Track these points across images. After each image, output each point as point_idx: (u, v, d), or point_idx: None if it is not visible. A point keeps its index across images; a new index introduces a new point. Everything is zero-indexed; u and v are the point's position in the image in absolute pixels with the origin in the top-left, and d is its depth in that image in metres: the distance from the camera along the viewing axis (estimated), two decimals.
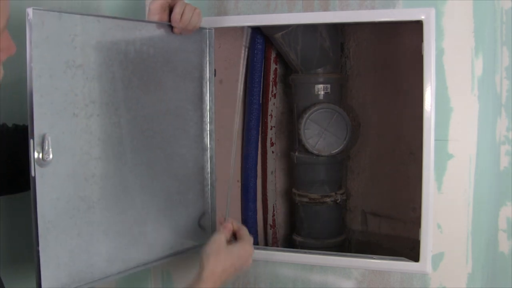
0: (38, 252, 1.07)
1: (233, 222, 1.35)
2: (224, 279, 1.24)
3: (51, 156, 1.08)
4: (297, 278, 1.55)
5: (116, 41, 1.23)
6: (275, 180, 2.08)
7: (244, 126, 1.98)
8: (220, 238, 1.29)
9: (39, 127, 1.07)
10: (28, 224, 1.47)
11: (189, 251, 1.45)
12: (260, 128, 2.00)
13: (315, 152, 1.80)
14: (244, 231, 1.34)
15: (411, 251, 1.49)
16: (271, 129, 2.02)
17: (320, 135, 1.79)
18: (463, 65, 1.37)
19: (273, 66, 1.96)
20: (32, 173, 1.06)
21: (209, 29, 1.46)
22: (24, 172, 1.11)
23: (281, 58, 1.94)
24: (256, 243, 2.00)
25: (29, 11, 1.04)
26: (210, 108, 1.49)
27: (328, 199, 1.85)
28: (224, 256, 1.26)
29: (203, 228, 1.48)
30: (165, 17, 1.34)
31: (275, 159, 2.06)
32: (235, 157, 1.99)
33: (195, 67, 1.44)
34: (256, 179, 2.00)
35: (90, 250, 1.20)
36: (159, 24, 1.33)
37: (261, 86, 1.96)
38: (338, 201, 1.86)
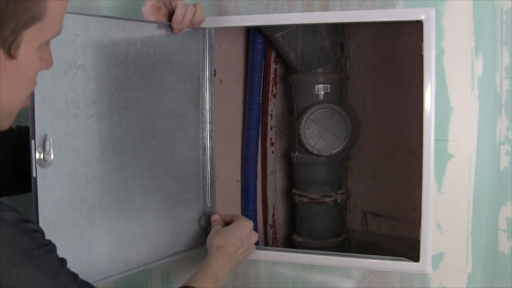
0: None
1: (223, 214, 1.46)
2: (234, 252, 1.32)
3: (52, 156, 1.08)
4: (297, 278, 1.55)
5: (117, 41, 1.24)
6: (275, 180, 2.08)
7: (244, 126, 1.98)
8: (215, 227, 1.41)
9: (40, 128, 1.07)
10: None
11: (189, 251, 1.45)
12: (260, 128, 2.00)
13: (315, 152, 1.80)
14: (237, 215, 1.44)
15: (411, 251, 1.48)
16: (271, 129, 2.02)
17: (320, 135, 1.79)
18: (463, 65, 1.36)
19: (273, 66, 1.96)
20: (34, 174, 1.06)
21: (209, 29, 1.46)
22: (28, 173, 1.11)
23: (281, 58, 1.94)
24: (256, 243, 2.00)
25: None
26: (210, 108, 1.48)
27: (328, 199, 1.85)
28: (225, 233, 1.35)
29: (203, 228, 1.48)
30: (160, 18, 1.34)
31: (275, 159, 2.06)
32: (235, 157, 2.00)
33: (195, 67, 1.44)
34: (256, 179, 2.00)
35: (91, 250, 1.20)
36: (159, 24, 1.33)
37: (261, 86, 1.96)
38: (338, 201, 1.86)
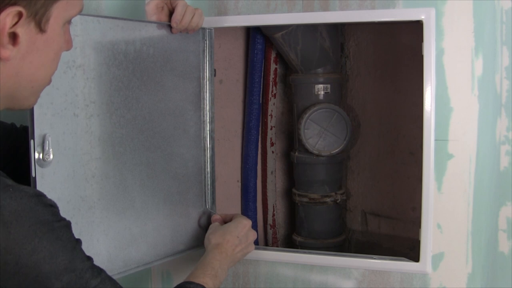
0: None
1: (223, 214, 1.48)
2: (232, 249, 1.33)
3: (51, 156, 1.09)
4: (297, 278, 1.55)
5: (116, 41, 1.24)
6: (275, 180, 2.08)
7: (244, 126, 1.98)
8: (213, 224, 1.44)
9: (39, 128, 1.07)
10: None
11: (189, 251, 1.45)
12: (260, 128, 2.00)
13: (315, 152, 1.80)
14: (236, 214, 1.45)
15: (411, 251, 1.49)
16: (271, 129, 2.02)
17: (320, 135, 1.79)
18: (463, 65, 1.36)
19: (273, 66, 1.96)
20: (33, 174, 1.06)
21: (209, 29, 1.46)
22: (29, 173, 1.11)
23: (281, 58, 1.94)
24: (256, 243, 2.00)
25: None
26: (210, 108, 1.49)
27: (328, 199, 1.85)
28: (222, 231, 1.36)
29: (202, 228, 1.48)
30: (163, 17, 1.35)
31: (275, 159, 2.06)
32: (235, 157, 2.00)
33: (195, 67, 1.45)
34: (256, 179, 2.00)
35: (90, 250, 1.19)
36: (159, 24, 1.34)
37: (261, 86, 1.96)
38: (338, 201, 1.86)
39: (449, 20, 1.36)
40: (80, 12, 0.95)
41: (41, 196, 0.90)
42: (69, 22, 0.95)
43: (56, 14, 0.89)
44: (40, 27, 0.87)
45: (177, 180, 1.42)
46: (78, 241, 0.94)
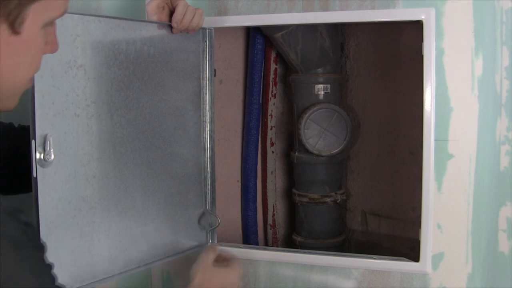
0: None
1: (223, 249, 1.37)
2: None
3: (52, 156, 1.08)
4: (297, 278, 1.55)
5: (117, 41, 1.24)
6: (275, 180, 2.08)
7: (244, 126, 1.98)
8: (206, 257, 1.30)
9: (40, 128, 1.07)
10: None
11: (189, 251, 1.45)
12: (260, 128, 2.00)
13: (315, 152, 1.80)
14: (234, 259, 1.34)
15: (411, 251, 1.49)
16: (271, 129, 2.02)
17: (320, 135, 1.80)
18: (463, 65, 1.37)
19: (273, 66, 1.96)
20: (34, 174, 1.06)
21: (209, 29, 1.46)
22: (29, 172, 1.11)
23: (281, 58, 1.94)
24: (256, 243, 2.01)
25: None
26: (210, 108, 1.49)
27: (328, 199, 1.85)
28: (210, 275, 1.26)
29: (202, 228, 1.48)
30: (164, 17, 1.35)
31: (275, 159, 2.06)
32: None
33: (195, 67, 1.45)
34: (256, 179, 2.00)
35: (91, 250, 1.20)
36: (159, 24, 1.34)
37: (261, 86, 1.96)
38: (338, 201, 1.86)
39: (449, 20, 1.36)
40: (63, 14, 0.90)
41: (17, 212, 0.83)
42: (52, 23, 0.90)
43: (33, 16, 0.84)
44: (14, 29, 0.82)
45: (177, 180, 1.42)
46: (49, 266, 0.85)
